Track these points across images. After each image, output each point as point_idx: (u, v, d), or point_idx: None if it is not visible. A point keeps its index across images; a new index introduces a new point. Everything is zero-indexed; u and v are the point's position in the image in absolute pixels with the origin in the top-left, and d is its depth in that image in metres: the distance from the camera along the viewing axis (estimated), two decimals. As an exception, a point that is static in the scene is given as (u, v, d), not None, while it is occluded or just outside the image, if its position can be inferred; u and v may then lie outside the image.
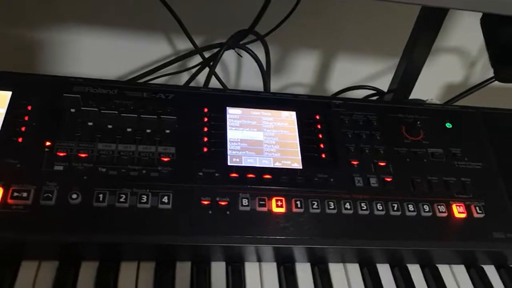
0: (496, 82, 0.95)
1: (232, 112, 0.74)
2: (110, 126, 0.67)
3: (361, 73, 1.19)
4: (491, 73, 1.09)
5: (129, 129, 0.68)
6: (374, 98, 1.01)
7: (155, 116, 0.69)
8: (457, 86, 1.23)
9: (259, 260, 0.65)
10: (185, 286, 0.60)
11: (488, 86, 0.98)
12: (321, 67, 1.18)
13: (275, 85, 1.16)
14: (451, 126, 0.79)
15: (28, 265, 0.58)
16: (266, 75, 0.99)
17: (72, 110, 0.67)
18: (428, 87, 1.17)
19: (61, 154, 0.63)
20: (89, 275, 0.59)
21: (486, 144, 0.78)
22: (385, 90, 0.98)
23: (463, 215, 0.69)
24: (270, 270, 0.65)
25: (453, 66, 1.22)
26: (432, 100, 0.93)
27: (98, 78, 0.73)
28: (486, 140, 0.79)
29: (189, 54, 1.01)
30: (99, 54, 1.07)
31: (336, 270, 0.66)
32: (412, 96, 0.96)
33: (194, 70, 1.02)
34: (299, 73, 1.18)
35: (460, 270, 0.70)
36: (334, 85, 1.20)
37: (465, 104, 0.87)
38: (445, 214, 0.69)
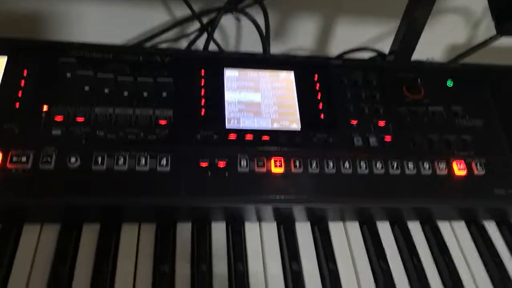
0: (500, 40, 0.95)
1: (229, 74, 0.75)
2: (106, 90, 0.68)
3: (363, 36, 1.18)
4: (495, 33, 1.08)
5: (125, 93, 0.69)
6: (376, 60, 1.02)
7: (151, 79, 0.70)
8: (461, 47, 1.22)
9: (259, 220, 0.67)
10: (186, 247, 0.62)
11: (491, 45, 0.98)
12: (322, 31, 1.18)
13: (275, 50, 1.16)
14: (452, 84, 0.79)
15: (31, 228, 0.61)
16: (265, 40, 1.00)
17: (68, 74, 0.68)
18: (432, 48, 1.16)
19: (59, 119, 0.64)
20: (91, 237, 0.61)
21: (488, 101, 0.79)
22: (387, 52, 0.98)
23: (464, 172, 0.70)
24: (270, 229, 0.67)
25: (457, 26, 1.21)
26: (432, 59, 0.93)
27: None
28: (489, 97, 0.79)
29: (187, 20, 1.01)
30: (97, 22, 1.07)
31: (335, 228, 0.68)
32: (415, 57, 0.96)
33: (193, 36, 1.02)
34: (299, 37, 1.18)
35: (461, 226, 0.71)
36: (336, 49, 1.20)
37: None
38: (445, 172, 0.70)
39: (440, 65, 0.83)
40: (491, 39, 0.95)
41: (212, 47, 1.00)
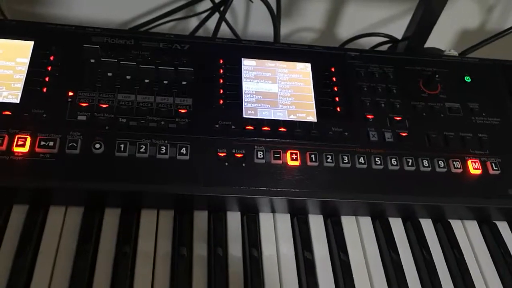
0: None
1: (247, 64, 0.79)
2: (128, 77, 0.72)
3: (374, 17, 1.19)
4: (508, 21, 1.09)
5: (146, 80, 0.73)
6: (387, 45, 1.04)
7: (172, 68, 0.74)
8: (473, 33, 1.23)
9: (273, 211, 0.71)
10: (202, 234, 0.67)
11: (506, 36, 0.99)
12: (332, 11, 1.19)
13: (284, 30, 1.18)
14: (470, 80, 0.82)
15: (56, 209, 0.65)
16: (276, 20, 1.01)
17: (92, 60, 0.72)
18: (443, 34, 1.18)
19: (84, 104, 0.69)
20: (112, 220, 0.66)
21: (505, 99, 0.81)
22: (398, 36, 1.00)
23: (478, 171, 0.73)
24: (284, 220, 0.71)
25: (470, 12, 1.21)
26: (451, 52, 0.95)
27: (104, 22, 0.76)
28: (506, 95, 0.82)
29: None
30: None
31: (348, 222, 0.72)
32: (426, 44, 0.97)
33: (203, 15, 1.04)
34: (309, 17, 1.19)
35: (473, 225, 0.74)
36: (346, 30, 1.21)
37: (481, 54, 0.89)
38: (460, 170, 0.73)
39: (458, 59, 0.85)
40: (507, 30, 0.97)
41: (222, 27, 1.03)
